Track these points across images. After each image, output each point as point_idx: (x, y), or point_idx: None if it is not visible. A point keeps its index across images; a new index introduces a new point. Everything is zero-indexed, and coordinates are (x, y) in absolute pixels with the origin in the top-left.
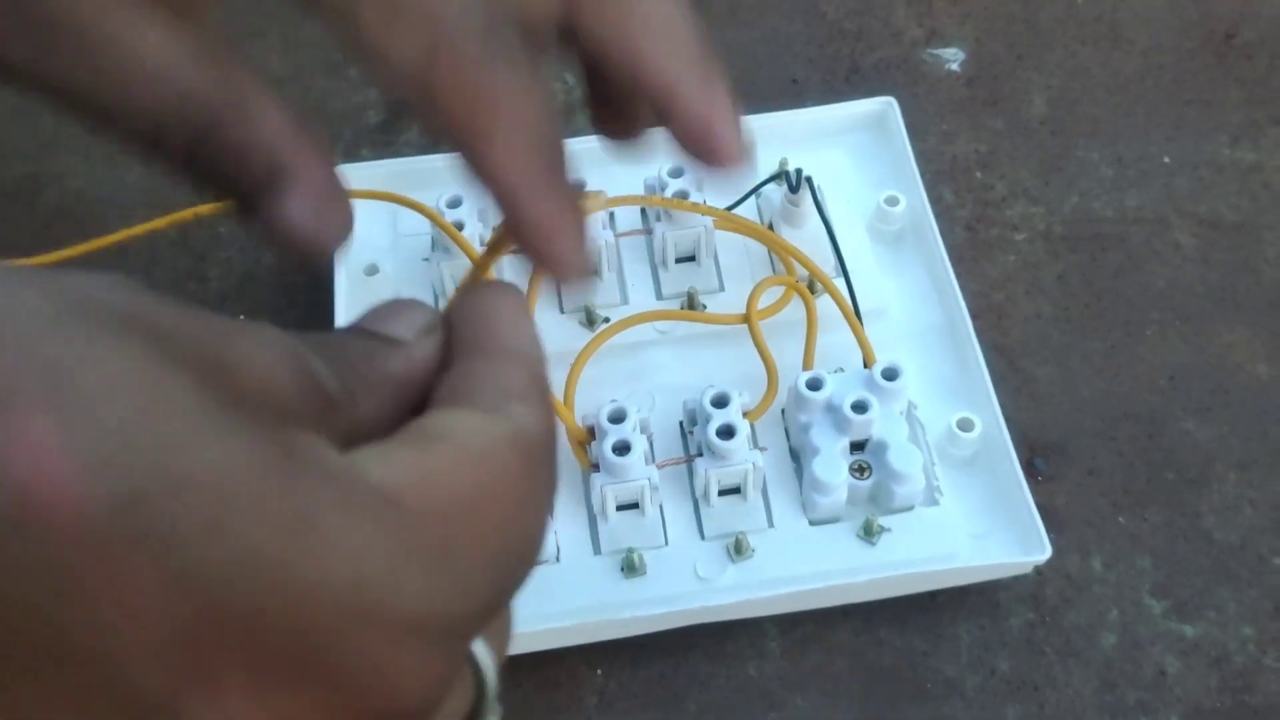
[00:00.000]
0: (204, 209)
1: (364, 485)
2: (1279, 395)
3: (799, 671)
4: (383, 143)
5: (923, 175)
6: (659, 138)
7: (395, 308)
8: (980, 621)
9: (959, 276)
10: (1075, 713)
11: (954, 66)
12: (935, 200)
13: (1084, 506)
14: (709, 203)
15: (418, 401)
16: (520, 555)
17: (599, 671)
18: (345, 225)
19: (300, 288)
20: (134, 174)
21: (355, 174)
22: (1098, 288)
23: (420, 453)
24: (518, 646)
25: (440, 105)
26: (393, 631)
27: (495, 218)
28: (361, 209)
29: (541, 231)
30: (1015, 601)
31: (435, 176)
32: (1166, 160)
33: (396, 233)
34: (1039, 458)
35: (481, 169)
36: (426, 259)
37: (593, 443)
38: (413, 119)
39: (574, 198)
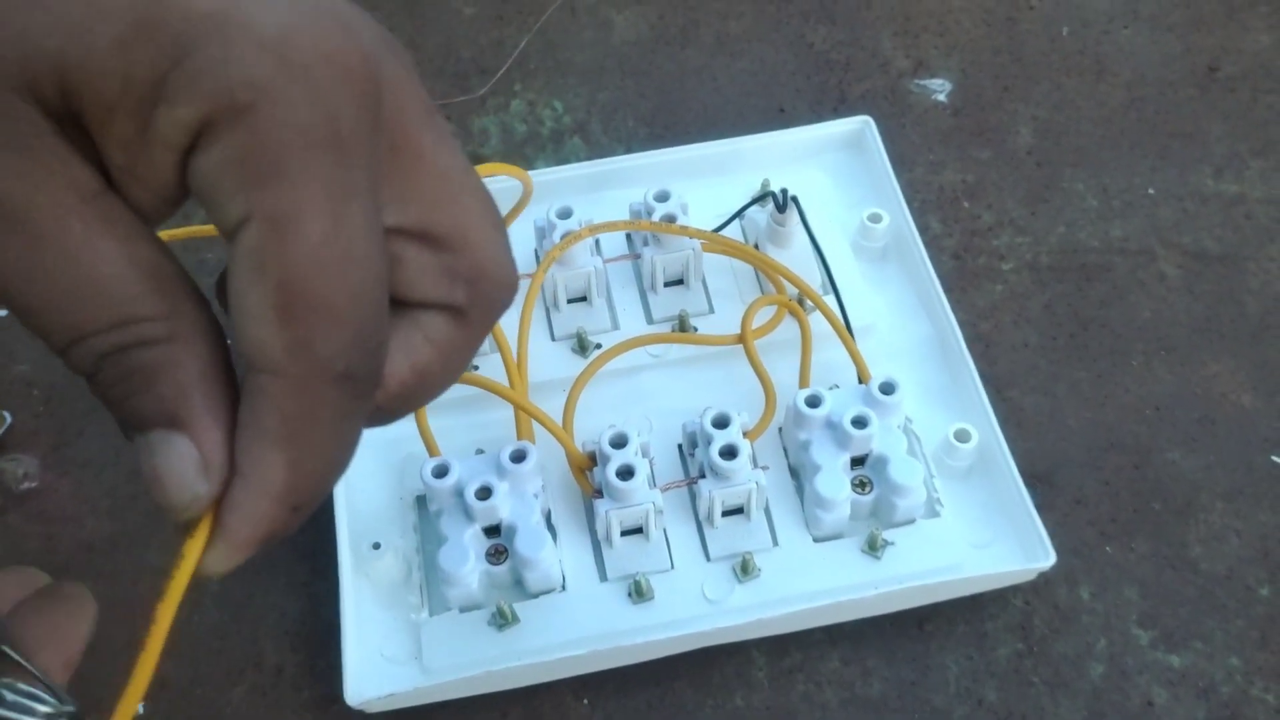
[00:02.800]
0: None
1: None
2: (1264, 425)
3: (787, 701)
4: None
5: (910, 204)
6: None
7: None
8: (968, 651)
9: (949, 307)
10: None
11: (941, 97)
12: (923, 230)
13: (1071, 536)
14: (695, 226)
15: None
16: None
17: (585, 702)
18: (198, 501)
19: None
20: None
21: None
22: (1084, 318)
23: None
24: (524, 679)
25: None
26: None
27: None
28: None
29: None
30: (1003, 631)
31: None
32: (1151, 191)
33: None
34: (1027, 488)
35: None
36: None
37: (594, 469)
38: None
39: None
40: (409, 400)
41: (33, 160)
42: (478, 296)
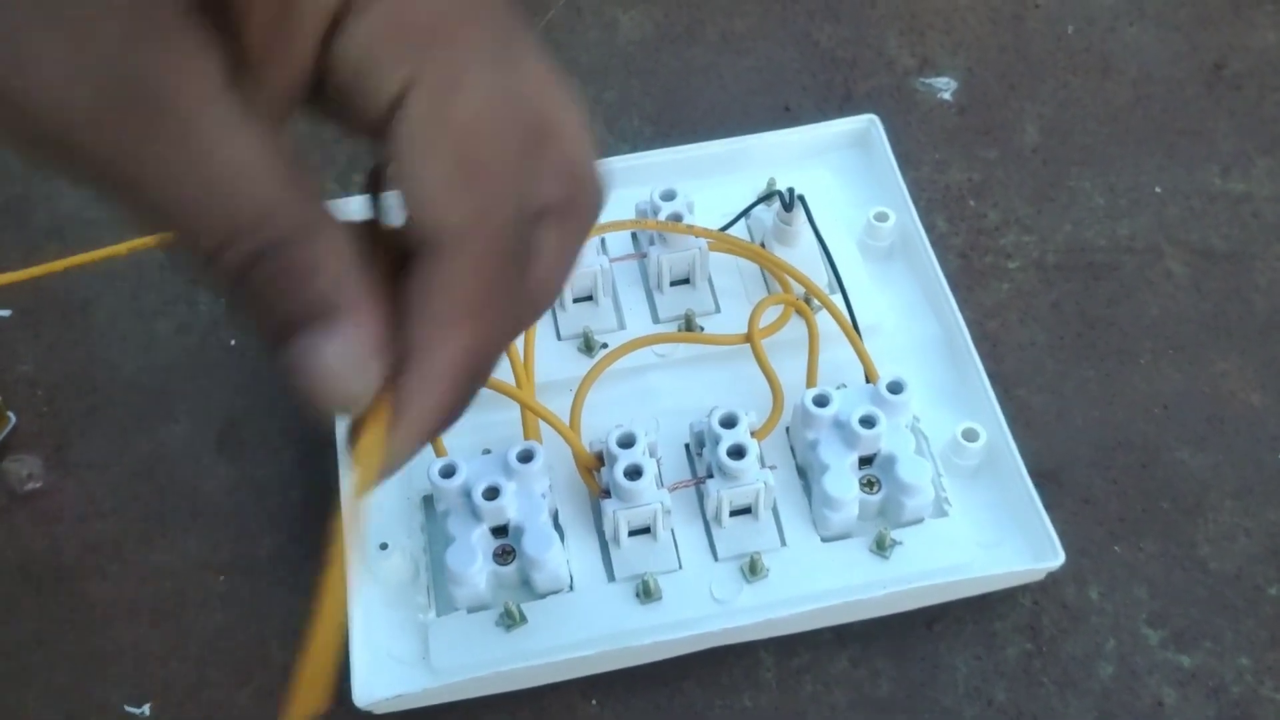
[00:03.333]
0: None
1: None
2: (1273, 424)
3: (795, 702)
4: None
5: (916, 203)
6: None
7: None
8: (977, 651)
9: (956, 306)
10: None
11: (946, 95)
12: (929, 228)
13: (1080, 536)
14: (701, 225)
15: None
16: None
17: (594, 702)
18: (370, 387)
19: None
20: None
21: (345, 208)
22: (1091, 316)
23: None
24: (532, 679)
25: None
26: None
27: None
28: None
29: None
30: (1012, 631)
31: None
32: (1158, 190)
33: None
34: (1036, 487)
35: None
36: None
37: (602, 469)
38: None
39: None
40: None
41: (173, 45)
42: (577, 193)
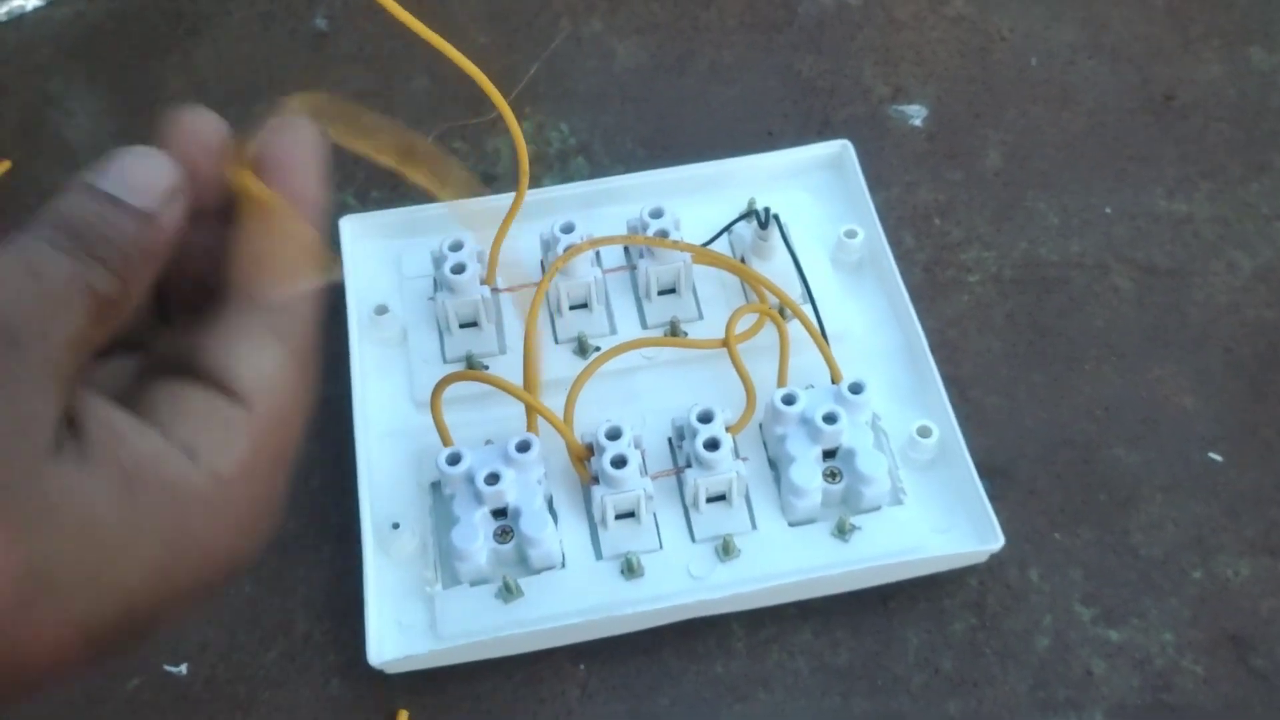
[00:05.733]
0: None
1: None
2: (1202, 425)
3: (762, 669)
4: (390, 185)
5: (885, 221)
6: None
7: (131, 165)
8: (927, 626)
9: (917, 315)
10: (1010, 708)
11: (917, 122)
12: (896, 244)
13: (1024, 524)
14: (687, 240)
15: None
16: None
17: (581, 667)
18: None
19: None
20: None
21: (363, 222)
22: (1042, 326)
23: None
24: (527, 645)
25: None
26: None
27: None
28: (369, 253)
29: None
30: (959, 608)
31: (439, 222)
32: (1108, 210)
33: (401, 275)
34: (985, 479)
35: None
36: (431, 298)
37: (591, 459)
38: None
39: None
40: None
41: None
42: None
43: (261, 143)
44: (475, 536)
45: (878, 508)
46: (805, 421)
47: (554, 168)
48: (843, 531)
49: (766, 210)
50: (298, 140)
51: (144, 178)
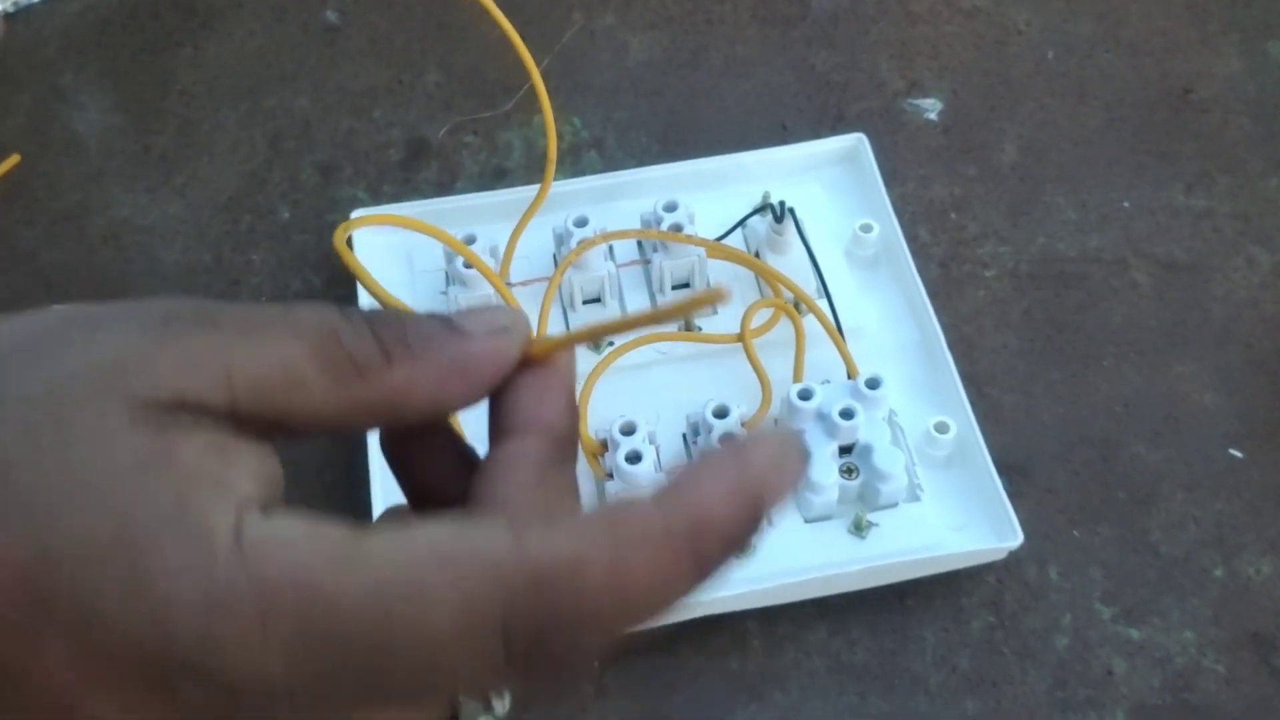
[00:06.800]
0: None
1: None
2: (1223, 423)
3: (778, 667)
4: (402, 179)
5: (900, 216)
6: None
7: (480, 308)
8: (944, 624)
9: (933, 311)
10: (1029, 708)
11: (932, 116)
12: (912, 239)
13: (1042, 522)
14: (700, 234)
15: (483, 394)
16: (367, 667)
17: (597, 664)
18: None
19: None
20: (175, 205)
21: (377, 214)
22: (1060, 322)
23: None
24: None
25: None
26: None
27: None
28: (379, 247)
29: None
30: (977, 606)
31: (452, 216)
32: (1126, 205)
33: (413, 269)
34: (1002, 477)
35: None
36: (443, 292)
37: (605, 454)
38: (430, 159)
39: None
40: None
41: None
42: None
43: (513, 398)
44: None
45: (895, 504)
46: (822, 417)
47: (566, 162)
48: (859, 528)
49: (782, 204)
50: (550, 387)
51: (478, 311)
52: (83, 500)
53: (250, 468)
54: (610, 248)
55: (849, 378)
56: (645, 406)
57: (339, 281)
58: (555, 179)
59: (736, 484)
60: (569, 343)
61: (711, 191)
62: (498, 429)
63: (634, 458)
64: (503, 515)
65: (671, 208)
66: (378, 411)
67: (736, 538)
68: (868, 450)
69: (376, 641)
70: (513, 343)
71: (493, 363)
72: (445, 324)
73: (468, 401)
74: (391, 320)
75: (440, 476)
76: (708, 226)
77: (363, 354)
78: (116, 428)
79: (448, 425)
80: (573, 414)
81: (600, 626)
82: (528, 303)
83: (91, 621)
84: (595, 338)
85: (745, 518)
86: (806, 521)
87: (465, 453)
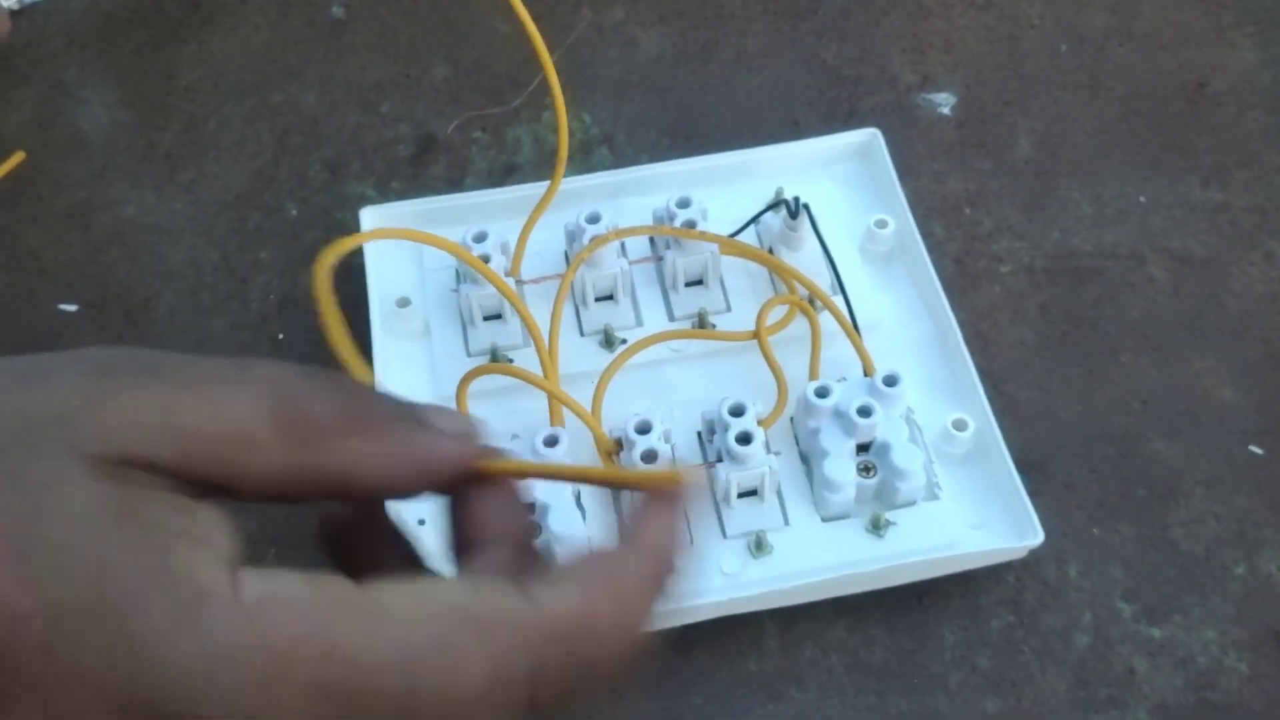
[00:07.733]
0: None
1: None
2: (1243, 418)
3: (796, 666)
4: (410, 175)
5: (915, 211)
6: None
7: (445, 410)
8: (963, 623)
9: (949, 306)
10: (1050, 707)
11: (945, 110)
12: (926, 234)
13: (1061, 519)
14: (713, 231)
15: (431, 489)
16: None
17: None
18: None
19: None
20: (181, 202)
21: (385, 212)
22: (1077, 317)
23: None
24: None
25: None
26: None
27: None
28: (390, 245)
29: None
30: (996, 605)
31: (461, 213)
32: (1142, 199)
33: (423, 268)
34: (1020, 474)
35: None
36: (454, 290)
37: (620, 453)
38: (439, 155)
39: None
40: None
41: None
42: None
43: (480, 511)
44: None
45: (913, 503)
46: (839, 415)
47: (576, 158)
48: (877, 527)
49: (796, 200)
50: (509, 505)
51: (446, 412)
52: (59, 558)
53: (219, 524)
54: (623, 245)
55: (865, 375)
56: (659, 405)
57: (349, 279)
58: (565, 175)
59: (672, 525)
60: (522, 474)
61: (724, 187)
62: (467, 540)
63: (650, 457)
64: (501, 575)
65: (684, 204)
66: (327, 482)
67: (681, 567)
68: (885, 448)
69: (403, 700)
70: (473, 452)
71: (453, 463)
72: (411, 411)
73: (415, 491)
74: (356, 390)
75: (375, 560)
76: (720, 222)
77: (323, 418)
78: (78, 478)
79: (385, 513)
80: (534, 533)
81: (614, 663)
82: (539, 300)
83: (83, 677)
84: (546, 477)
85: (683, 550)
86: (824, 521)
87: (401, 540)
